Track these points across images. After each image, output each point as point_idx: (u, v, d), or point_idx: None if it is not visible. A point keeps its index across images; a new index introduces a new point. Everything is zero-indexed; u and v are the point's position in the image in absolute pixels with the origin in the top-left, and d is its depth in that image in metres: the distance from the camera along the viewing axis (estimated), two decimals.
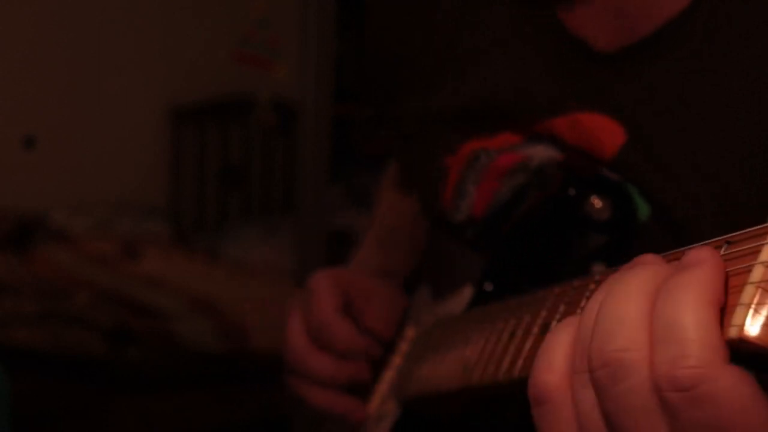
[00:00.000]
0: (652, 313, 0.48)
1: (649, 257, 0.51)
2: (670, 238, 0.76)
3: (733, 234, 0.51)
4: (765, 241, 0.48)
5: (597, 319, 0.50)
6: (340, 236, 3.09)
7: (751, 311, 0.46)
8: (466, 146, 0.89)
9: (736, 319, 0.46)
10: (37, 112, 4.04)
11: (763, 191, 0.73)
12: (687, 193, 0.75)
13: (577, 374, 0.51)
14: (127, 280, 3.66)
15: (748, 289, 0.46)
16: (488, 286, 0.87)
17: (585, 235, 0.78)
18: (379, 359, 1.00)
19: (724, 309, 0.47)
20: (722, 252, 0.50)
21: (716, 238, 0.51)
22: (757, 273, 0.47)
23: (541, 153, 0.85)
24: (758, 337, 0.46)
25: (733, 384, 0.45)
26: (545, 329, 0.64)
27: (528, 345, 0.66)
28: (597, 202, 0.77)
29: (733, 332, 0.46)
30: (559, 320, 0.62)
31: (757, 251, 0.48)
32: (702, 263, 0.48)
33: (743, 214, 0.74)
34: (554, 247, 0.81)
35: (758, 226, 0.49)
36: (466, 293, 0.91)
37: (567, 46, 0.83)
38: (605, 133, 0.79)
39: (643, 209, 0.78)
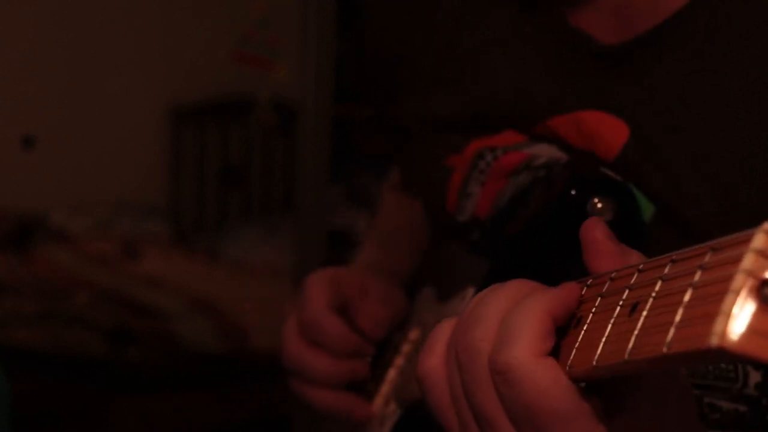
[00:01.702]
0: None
1: (528, 281, 0.64)
2: (672, 237, 0.75)
3: (719, 240, 0.50)
4: (747, 249, 0.47)
5: (468, 314, 0.63)
6: (340, 236, 3.09)
7: (730, 320, 0.46)
8: (470, 146, 0.89)
9: (716, 327, 0.46)
10: (36, 112, 4.04)
11: (764, 191, 0.73)
12: (687, 192, 0.75)
13: (450, 355, 0.64)
14: (127, 280, 3.66)
15: (729, 297, 0.46)
16: None
17: None
18: (374, 357, 1.00)
19: (706, 317, 0.47)
20: (707, 259, 0.50)
21: (702, 244, 0.51)
22: (738, 281, 0.47)
23: (545, 152, 0.85)
24: (737, 345, 0.45)
25: (538, 374, 0.58)
26: None
27: None
28: (599, 203, 0.77)
29: (713, 341, 0.46)
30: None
31: (739, 258, 0.47)
32: (557, 288, 0.61)
33: (744, 214, 0.74)
34: (557, 249, 0.80)
35: (743, 232, 0.49)
36: (470, 295, 0.91)
37: (568, 43, 0.83)
38: (608, 130, 0.79)
39: (647, 209, 0.77)
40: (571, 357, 0.58)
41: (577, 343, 0.58)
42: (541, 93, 0.84)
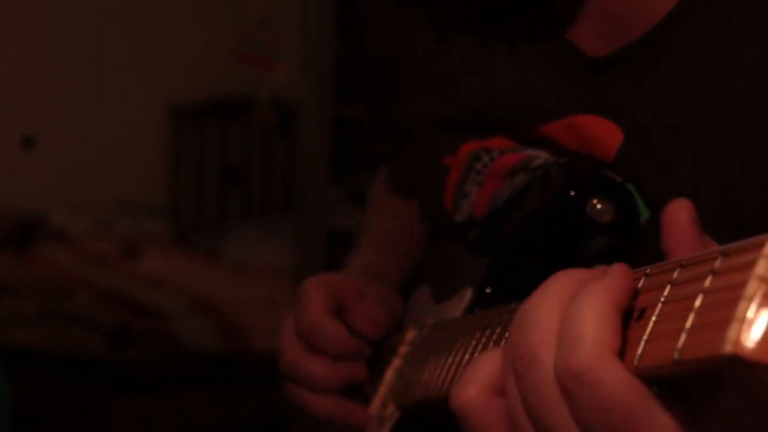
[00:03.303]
0: (563, 314, 0.55)
1: (575, 270, 0.58)
2: None
3: (730, 245, 0.49)
4: (761, 254, 0.46)
5: (518, 318, 0.57)
6: (340, 236, 3.09)
7: (744, 326, 0.45)
8: (466, 146, 0.89)
9: (730, 334, 0.45)
10: (36, 112, 4.04)
11: (764, 191, 0.73)
12: (686, 193, 0.75)
13: (506, 370, 0.58)
14: (127, 280, 3.66)
15: (742, 304, 0.45)
16: (488, 289, 0.86)
17: (586, 237, 0.78)
18: (372, 359, 1.00)
19: (719, 323, 0.46)
20: (717, 264, 0.49)
21: (712, 249, 0.51)
22: (751, 287, 0.46)
23: (543, 153, 0.85)
24: (751, 353, 0.45)
25: (613, 372, 0.52)
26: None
27: None
28: (598, 204, 0.77)
29: (727, 348, 0.45)
30: None
31: (752, 264, 0.46)
32: (611, 273, 0.55)
33: (744, 214, 0.74)
34: (555, 250, 0.80)
35: (755, 237, 0.48)
36: (467, 295, 0.91)
37: (563, 50, 0.83)
38: (603, 134, 0.79)
39: (644, 211, 0.77)
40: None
41: None
42: (539, 97, 0.84)
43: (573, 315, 0.54)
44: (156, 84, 4.26)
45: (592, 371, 0.52)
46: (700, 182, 0.75)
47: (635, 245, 0.77)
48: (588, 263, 0.75)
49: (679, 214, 0.57)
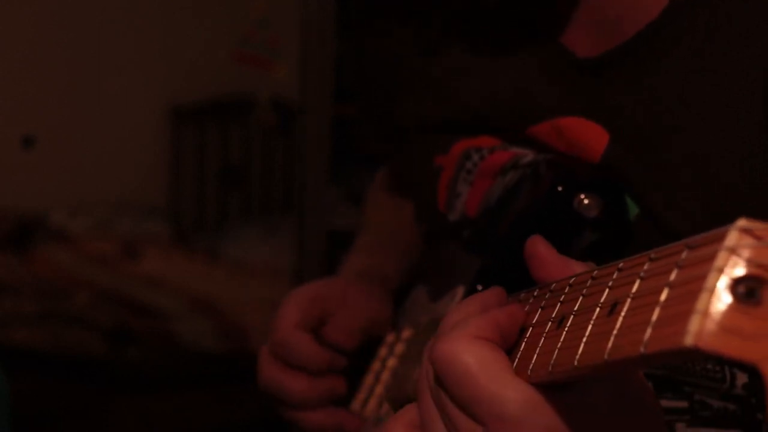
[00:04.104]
0: None
1: (486, 299, 0.67)
2: (659, 236, 0.76)
3: (695, 237, 0.50)
4: (721, 247, 0.47)
5: (440, 329, 0.66)
6: (340, 236, 3.09)
7: (705, 319, 0.45)
8: (456, 146, 0.89)
9: (691, 327, 0.46)
10: (36, 112, 4.04)
11: (764, 191, 0.73)
12: (686, 193, 0.75)
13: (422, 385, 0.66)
14: (127, 280, 3.67)
15: (703, 296, 0.46)
16: (479, 287, 0.86)
17: (575, 232, 0.78)
18: (361, 363, 1.00)
19: (681, 316, 0.47)
20: (683, 256, 0.50)
21: (679, 242, 0.51)
22: (711, 279, 0.46)
23: (531, 152, 0.85)
24: (712, 344, 0.45)
25: (461, 355, 0.59)
26: None
27: None
28: (585, 199, 0.77)
29: (688, 340, 0.45)
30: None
31: (713, 257, 0.47)
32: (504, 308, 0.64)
33: (744, 214, 0.73)
34: None
35: (717, 230, 0.48)
36: (459, 294, 0.91)
37: (558, 52, 0.83)
38: (589, 135, 0.79)
39: (633, 208, 0.77)
40: (554, 357, 0.58)
41: (559, 344, 0.58)
42: (539, 95, 0.84)
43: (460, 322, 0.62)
44: (156, 84, 4.26)
45: (446, 355, 0.60)
46: (700, 182, 0.75)
47: (625, 240, 0.77)
48: (578, 259, 0.75)
49: (537, 247, 0.64)
